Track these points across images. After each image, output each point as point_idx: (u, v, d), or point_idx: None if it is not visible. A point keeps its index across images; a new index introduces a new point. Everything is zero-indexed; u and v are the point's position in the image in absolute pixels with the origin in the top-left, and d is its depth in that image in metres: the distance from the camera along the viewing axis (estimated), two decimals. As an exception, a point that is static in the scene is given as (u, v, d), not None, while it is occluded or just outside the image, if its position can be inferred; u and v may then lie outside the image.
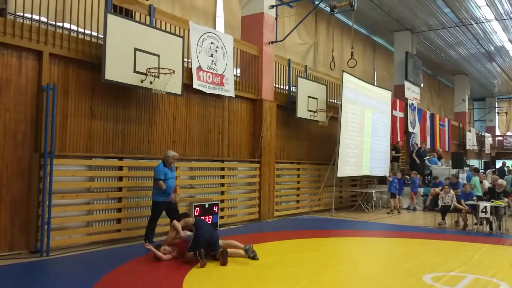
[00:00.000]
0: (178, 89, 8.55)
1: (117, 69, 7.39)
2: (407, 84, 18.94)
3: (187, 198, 9.08)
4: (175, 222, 6.63)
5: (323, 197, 13.39)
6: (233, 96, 10.22)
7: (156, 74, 7.89)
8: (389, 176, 14.23)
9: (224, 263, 6.12)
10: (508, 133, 33.67)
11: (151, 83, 7.87)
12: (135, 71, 7.68)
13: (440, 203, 10.84)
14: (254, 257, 6.50)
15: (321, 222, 11.19)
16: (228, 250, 6.41)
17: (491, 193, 10.52)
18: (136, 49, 7.68)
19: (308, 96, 12.48)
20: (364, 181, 15.90)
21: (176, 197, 7.88)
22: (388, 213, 13.22)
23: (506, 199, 10.18)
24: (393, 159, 15.85)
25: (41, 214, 6.49)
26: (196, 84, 9.26)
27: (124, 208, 7.80)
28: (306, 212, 12.67)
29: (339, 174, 12.64)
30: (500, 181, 10.84)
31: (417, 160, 15.98)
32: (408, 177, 15.13)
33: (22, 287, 5.07)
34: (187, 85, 9.02)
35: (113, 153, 7.81)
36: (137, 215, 8.03)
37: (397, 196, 13.77)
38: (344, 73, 12.81)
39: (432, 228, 10.48)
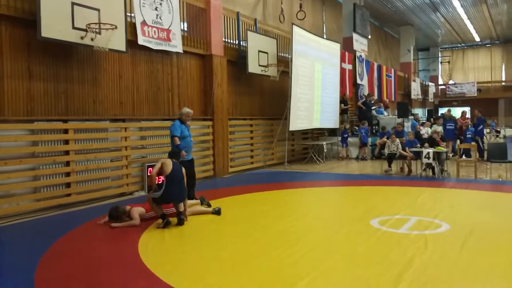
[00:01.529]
0: (122, 46, 8.17)
1: (54, 26, 6.93)
2: (355, 36, 19.12)
3: (139, 159, 8.93)
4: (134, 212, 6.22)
5: (276, 151, 13.61)
6: (181, 52, 9.92)
7: (97, 30, 7.48)
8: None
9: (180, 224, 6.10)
10: (450, 82, 35.18)
11: (92, 39, 7.47)
12: (74, 27, 7.23)
13: (386, 151, 11.32)
14: (218, 212, 6.68)
15: (275, 175, 11.43)
16: (189, 209, 6.48)
17: (430, 141, 11.06)
18: (73, 3, 7.20)
19: (259, 51, 12.35)
20: (315, 133, 16.25)
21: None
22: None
23: (445, 144, 10.78)
24: (342, 111, 16.22)
25: (-17, 183, 6.18)
26: (141, 40, 8.89)
27: (73, 172, 7.57)
28: (260, 166, 12.86)
29: (291, 128, 12.83)
30: (433, 129, 11.46)
31: (363, 107, 16.41)
32: (357, 128, 15.58)
33: (-32, 258, 4.89)
34: (132, 42, 8.64)
35: (57, 115, 7.46)
36: (87, 179, 7.83)
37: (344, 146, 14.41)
38: (294, 26, 12.71)
39: (379, 175, 10.98)
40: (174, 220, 6.14)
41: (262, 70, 12.48)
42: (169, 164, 6.13)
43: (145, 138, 9.16)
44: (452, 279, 4.00)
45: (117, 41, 7.95)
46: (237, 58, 12.04)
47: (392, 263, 4.42)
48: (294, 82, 12.65)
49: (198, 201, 7.04)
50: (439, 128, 11.45)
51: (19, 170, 6.84)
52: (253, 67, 12.10)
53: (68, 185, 7.52)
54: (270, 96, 13.69)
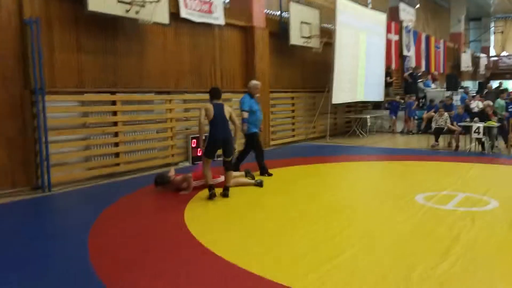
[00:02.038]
0: (165, 19, 8.25)
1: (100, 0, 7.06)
2: (402, 6, 18.34)
3: (183, 131, 9.11)
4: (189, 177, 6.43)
5: (318, 124, 13.48)
6: (223, 24, 9.88)
7: (141, 3, 7.56)
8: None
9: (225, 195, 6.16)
10: (503, 53, 33.27)
11: (136, 13, 7.57)
12: (119, 1, 7.34)
13: (433, 125, 10.96)
14: (260, 184, 6.72)
15: (316, 149, 11.36)
16: (233, 181, 6.58)
17: (482, 115, 10.59)
18: (119, -23, 7.29)
19: (301, 22, 12.10)
20: (359, 106, 15.92)
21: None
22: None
23: (497, 118, 10.31)
24: (387, 85, 15.77)
25: (39, 151, 6.51)
26: (183, 13, 8.91)
27: (121, 142, 7.84)
28: (301, 139, 12.81)
29: (334, 101, 12.63)
30: (486, 102, 10.94)
31: (409, 80, 15.85)
32: (403, 101, 15.13)
33: (24, 223, 5.22)
34: (175, 14, 8.68)
35: (105, 87, 7.69)
36: (135, 149, 8.09)
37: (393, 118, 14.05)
38: (337, -5, 12.32)
39: (425, 150, 10.69)
40: (219, 190, 6.27)
41: (304, 42, 12.25)
42: (210, 108, 6.01)
43: (188, 110, 9.30)
44: (500, 256, 3.89)
45: (161, 14, 8.02)
46: (279, 29, 11.86)
47: (437, 239, 4.35)
48: (338, 53, 12.36)
49: (243, 173, 7.12)
50: (491, 103, 10.92)
51: (71, 140, 7.16)
52: (295, 38, 11.90)
53: (117, 155, 7.81)
54: (313, 68, 13.47)
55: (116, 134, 7.78)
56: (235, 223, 5.00)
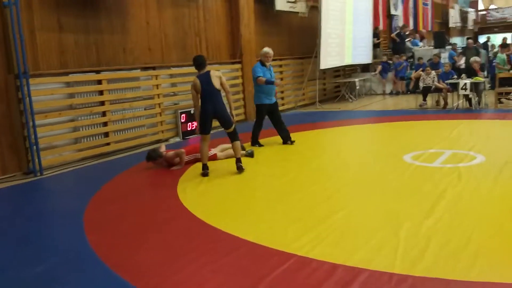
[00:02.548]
0: (146, -8, 8.10)
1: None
2: (388, -36, 17.99)
3: (171, 106, 9.09)
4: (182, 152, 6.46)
5: (307, 91, 13.46)
6: (207, -7, 9.72)
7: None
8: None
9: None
10: (492, 6, 32.93)
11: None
12: (98, -24, 7.20)
13: (421, 84, 11.00)
14: (251, 154, 6.77)
15: (306, 116, 11.40)
16: (222, 153, 6.68)
17: (468, 71, 10.63)
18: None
19: (285, -14, 11.90)
20: (347, 70, 15.88)
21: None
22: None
23: (483, 74, 10.36)
24: (374, 46, 15.67)
25: (28, 136, 6.51)
26: (165, -16, 8.75)
27: (110, 121, 7.82)
28: (291, 107, 12.82)
29: (322, 66, 12.58)
30: (473, 58, 10.94)
31: (397, 39, 15.75)
32: (391, 62, 15.09)
33: (19, 207, 5.30)
34: (157, -14, 8.53)
35: (89, 66, 7.62)
36: (124, 128, 8.08)
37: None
38: (320, -43, 12.08)
39: (414, 110, 10.77)
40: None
41: (290, 7, 12.09)
42: (197, 83, 5.82)
43: (175, 85, 9.25)
44: (484, 210, 4.02)
45: (142, -14, 7.87)
46: (264, -5, 11.67)
47: (424, 196, 4.47)
48: (324, 17, 12.21)
49: (230, 145, 7.14)
50: (478, 58, 10.92)
51: (59, 122, 7.13)
52: (281, 4, 11.72)
53: (106, 134, 7.81)
54: (299, 34, 13.34)
55: (104, 114, 7.75)
56: (228, 194, 5.09)
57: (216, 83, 5.85)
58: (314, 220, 4.00)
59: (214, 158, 6.56)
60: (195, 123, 9.16)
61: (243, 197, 4.94)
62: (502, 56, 11.14)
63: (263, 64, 7.16)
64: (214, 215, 4.32)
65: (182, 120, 8.95)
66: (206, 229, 4.00)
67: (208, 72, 5.93)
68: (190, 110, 9.14)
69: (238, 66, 10.82)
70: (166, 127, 8.92)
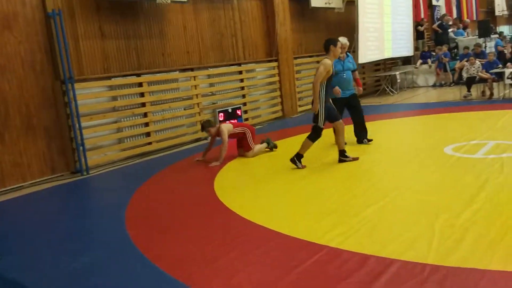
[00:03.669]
0: (182, -4, 8.33)
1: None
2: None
3: (210, 106, 9.27)
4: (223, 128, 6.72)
5: (346, 86, 13.27)
6: (241, -6, 9.85)
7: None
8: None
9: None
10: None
11: (154, -7, 7.70)
12: (135, -16, 7.48)
13: (465, 75, 10.61)
14: (274, 147, 6.96)
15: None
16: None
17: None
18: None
19: (321, -18, 11.83)
20: (388, 63, 15.54)
21: (360, 90, 6.98)
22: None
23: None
24: (418, 37, 15.26)
25: (74, 137, 6.87)
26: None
27: (151, 122, 8.10)
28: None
29: (361, 61, 12.39)
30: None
31: (439, 30, 15.27)
32: (434, 53, 14.63)
33: (67, 203, 5.62)
34: (192, -10, 8.74)
35: (130, 70, 7.93)
36: (164, 127, 8.34)
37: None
38: (356, -50, 11.92)
39: (458, 101, 10.40)
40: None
41: (326, 3, 12.00)
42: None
43: (213, 85, 9.44)
44: (528, 200, 3.87)
45: (178, -9, 8.11)
46: (299, -7, 11.66)
47: (464, 187, 4.35)
48: (361, 11, 12.05)
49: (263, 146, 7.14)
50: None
51: (103, 124, 7.47)
52: (316, 0, 11.67)
53: (148, 134, 8.10)
54: (337, 30, 13.17)
55: (145, 115, 8.04)
56: (264, 189, 5.16)
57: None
58: (349, 213, 4.00)
59: (248, 149, 6.73)
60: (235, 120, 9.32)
61: (280, 192, 4.99)
62: None
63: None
64: (249, 209, 4.40)
65: (220, 119, 9.11)
66: (241, 222, 4.08)
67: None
68: (228, 109, 9.29)
69: (274, 64, 10.87)
70: (205, 126, 9.10)
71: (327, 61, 5.58)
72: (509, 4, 26.56)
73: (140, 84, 8.00)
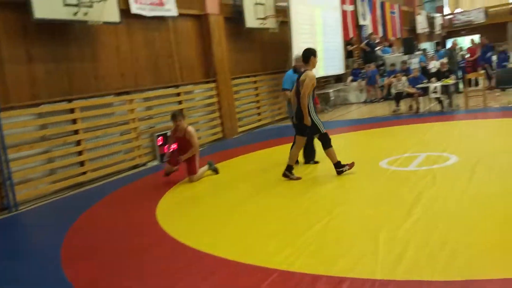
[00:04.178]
0: (115, 17, 8.09)
1: (45, 5, 6.85)
2: (353, -24, 18.44)
3: (148, 130, 9.03)
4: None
5: (283, 105, 13.52)
6: (176, 15, 9.77)
7: (89, 4, 7.42)
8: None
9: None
10: (457, 10, 33.95)
11: (85, 14, 7.42)
12: (65, 4, 7.16)
13: (393, 90, 11.21)
14: (215, 170, 6.84)
15: (284, 130, 11.43)
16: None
17: (438, 74, 10.89)
18: (59, -20, 7.11)
19: (255, 3, 12.05)
20: (321, 82, 16.06)
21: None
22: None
23: (453, 76, 10.61)
24: (348, 55, 15.97)
25: (1, 171, 6.37)
26: (134, 8, 8.76)
27: (84, 150, 7.70)
28: (268, 122, 12.87)
29: (296, 79, 12.70)
30: (441, 60, 11.21)
31: (367, 48, 16.12)
32: (363, 70, 15.37)
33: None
34: (125, 11, 8.52)
35: (61, 96, 7.53)
36: (99, 155, 7.96)
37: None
38: (286, -27, 12.32)
39: (388, 116, 10.94)
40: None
41: (260, 23, 12.24)
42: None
43: (151, 108, 9.22)
44: (459, 210, 4.08)
45: (110, 12, 7.87)
46: (234, 14, 11.79)
47: (401, 200, 4.53)
48: (294, 31, 12.40)
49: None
50: (445, 60, 11.21)
51: (33, 155, 6.98)
52: (250, 21, 11.86)
53: (81, 163, 7.68)
54: (272, 49, 13.48)
55: (78, 143, 7.64)
56: (208, 214, 5.05)
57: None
58: (294, 233, 4.00)
59: (193, 172, 6.59)
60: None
61: (223, 215, 4.90)
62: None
63: (296, 71, 6.34)
64: (193, 236, 4.28)
65: (159, 143, 8.89)
66: (187, 251, 3.95)
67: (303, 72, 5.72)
68: (167, 132, 9.09)
69: (212, 85, 10.86)
70: (143, 151, 8.84)
71: (311, 73, 5.61)
72: (430, 22, 28.65)
73: (71, 110, 7.61)
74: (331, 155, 5.81)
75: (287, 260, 3.43)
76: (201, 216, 5.01)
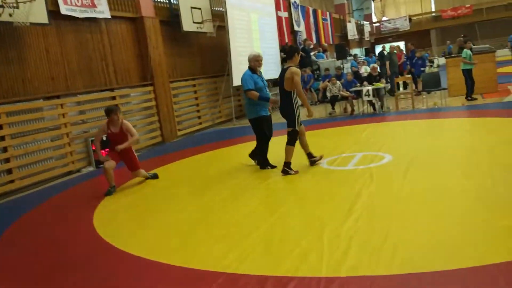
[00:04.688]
0: (44, 18, 7.67)
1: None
2: (287, -17, 18.88)
3: (81, 135, 8.61)
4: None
5: (223, 108, 13.55)
6: (109, 17, 9.43)
7: (14, 4, 6.96)
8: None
9: None
10: (384, 18, 35.88)
11: (10, 15, 6.96)
12: (-13, 4, 6.68)
13: (328, 94, 11.58)
14: (154, 176, 6.65)
15: (224, 133, 11.45)
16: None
17: (369, 78, 11.40)
18: (-21, -23, 6.61)
19: (191, 7, 11.95)
20: (260, 86, 16.21)
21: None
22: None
23: (383, 80, 11.16)
24: (283, 60, 16.24)
25: None
26: (64, 10, 8.34)
27: (12, 157, 7.20)
28: (209, 126, 12.80)
29: (235, 83, 12.73)
30: (371, 65, 11.76)
31: (302, 54, 16.52)
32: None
33: None
34: (55, 12, 8.10)
35: (-16, 100, 7.00)
36: (29, 162, 7.48)
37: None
38: (223, -23, 12.34)
39: (325, 118, 11.27)
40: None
41: (197, 27, 12.15)
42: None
43: (84, 112, 8.81)
44: (397, 205, 4.27)
45: (38, 13, 7.46)
46: (170, 17, 11.62)
47: (342, 198, 4.66)
48: (232, 36, 12.45)
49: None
50: (376, 65, 11.78)
51: (-48, 163, 6.43)
52: (187, 25, 11.74)
53: (9, 171, 7.17)
54: (210, 53, 13.44)
55: (5, 149, 7.12)
56: (148, 220, 4.89)
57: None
58: (239, 236, 3.97)
59: (137, 166, 6.46)
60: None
61: (164, 221, 4.77)
62: (469, 51, 10.67)
63: (253, 71, 6.21)
64: (136, 244, 4.12)
65: (93, 149, 8.51)
66: (129, 260, 3.79)
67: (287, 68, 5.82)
68: (102, 137, 8.70)
69: (150, 88, 10.60)
70: (76, 157, 8.42)
71: (296, 69, 5.77)
72: (359, 29, 30.01)
73: (-3, 115, 7.09)
74: (288, 153, 5.94)
75: (233, 263, 3.39)
76: (141, 223, 4.84)
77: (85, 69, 9.04)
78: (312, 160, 6.21)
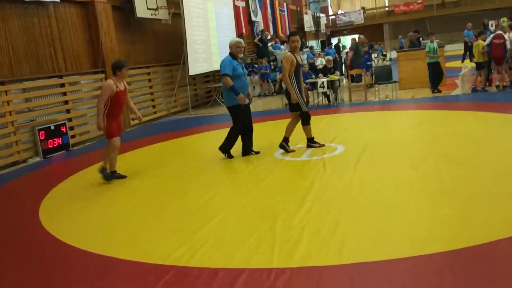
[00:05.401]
0: (-16, -1, 7.21)
1: None
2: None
3: (27, 124, 8.21)
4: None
5: (179, 97, 13.33)
6: (58, 0, 9.00)
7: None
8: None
9: None
10: (339, 11, 36.43)
11: None
12: None
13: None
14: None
15: (179, 122, 11.28)
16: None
17: (324, 70, 11.57)
18: None
19: (145, -7, 11.61)
20: (217, 75, 16.09)
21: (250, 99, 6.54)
22: None
23: (338, 72, 11.34)
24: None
25: None
26: (7, -9, 7.88)
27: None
28: (164, 115, 12.57)
29: (191, 72, 12.57)
30: (327, 58, 11.94)
31: (260, 44, 16.55)
32: (256, 66, 15.72)
33: None
34: (-4, -7, 7.64)
35: None
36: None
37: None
38: (178, -36, 12.06)
39: (281, 109, 11.32)
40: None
41: (152, 14, 11.83)
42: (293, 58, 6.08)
43: (30, 100, 8.39)
44: (348, 196, 4.36)
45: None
46: (123, 2, 11.23)
47: (295, 189, 4.71)
48: (188, 24, 12.22)
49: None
50: (331, 57, 11.95)
51: None
52: (141, 11, 11.40)
53: None
54: (165, 41, 13.14)
55: None
56: (98, 213, 4.75)
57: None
58: (191, 228, 3.92)
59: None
60: (59, 139, 8.44)
61: (115, 214, 4.64)
62: (432, 45, 10.71)
63: (234, 57, 6.08)
64: (82, 237, 3.99)
65: (41, 138, 8.14)
66: (75, 253, 3.66)
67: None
68: (50, 126, 8.37)
69: (101, 75, 10.25)
70: (22, 146, 8.03)
71: (287, 54, 6.13)
72: (316, 21, 30.32)
73: None
74: (307, 131, 6.44)
75: (184, 256, 3.35)
76: (89, 215, 4.69)
77: (32, 54, 8.60)
78: (283, 144, 6.40)
